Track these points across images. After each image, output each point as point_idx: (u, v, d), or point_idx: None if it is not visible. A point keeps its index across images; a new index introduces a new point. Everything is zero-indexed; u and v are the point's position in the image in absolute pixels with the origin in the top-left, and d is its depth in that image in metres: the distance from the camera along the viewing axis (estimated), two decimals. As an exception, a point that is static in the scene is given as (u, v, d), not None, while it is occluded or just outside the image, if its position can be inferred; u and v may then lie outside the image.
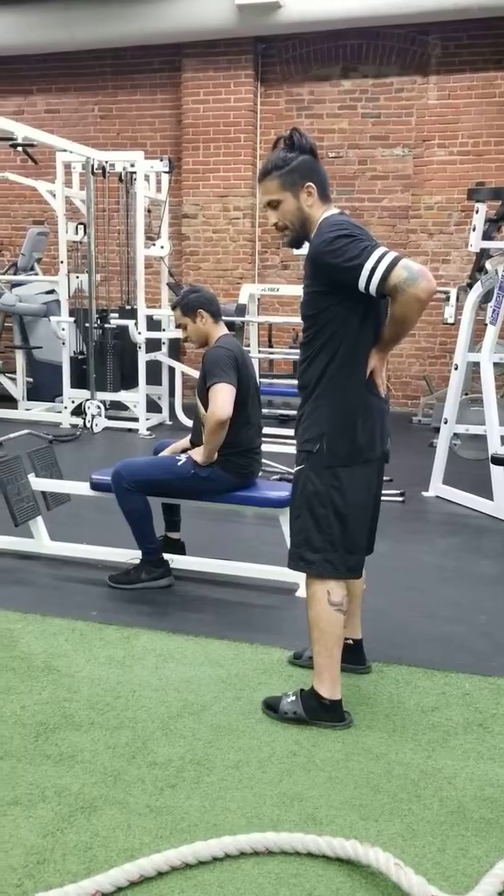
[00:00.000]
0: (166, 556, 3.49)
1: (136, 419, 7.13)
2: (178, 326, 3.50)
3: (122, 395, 7.25)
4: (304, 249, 2.33)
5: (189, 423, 5.90)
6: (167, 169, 7.12)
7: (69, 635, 2.95)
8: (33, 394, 7.96)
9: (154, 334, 7.19)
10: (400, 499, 4.90)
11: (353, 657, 2.65)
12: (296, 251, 2.56)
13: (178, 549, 3.69)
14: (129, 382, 7.27)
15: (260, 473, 3.51)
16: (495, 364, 4.94)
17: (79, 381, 7.19)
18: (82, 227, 7.10)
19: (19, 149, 5.94)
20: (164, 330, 7.39)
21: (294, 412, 2.54)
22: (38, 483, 3.75)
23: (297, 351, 2.49)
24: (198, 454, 3.28)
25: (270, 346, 8.33)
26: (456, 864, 1.81)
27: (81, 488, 3.67)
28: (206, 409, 3.24)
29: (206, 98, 8.32)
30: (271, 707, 2.42)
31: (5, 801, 1.99)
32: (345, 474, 2.28)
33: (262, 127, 8.46)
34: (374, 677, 2.68)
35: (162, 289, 7.75)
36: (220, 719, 2.39)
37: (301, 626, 2.54)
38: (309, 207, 2.29)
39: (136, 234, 7.03)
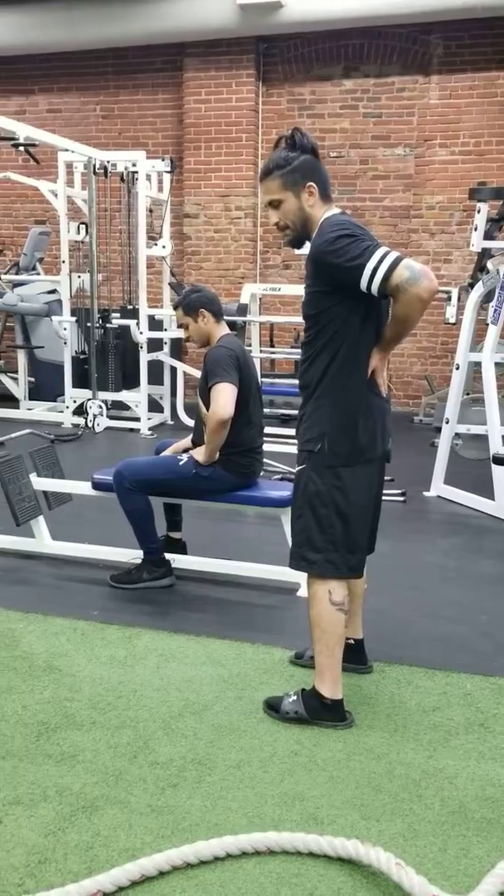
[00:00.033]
0: (168, 555, 3.49)
1: (137, 419, 7.14)
2: (179, 326, 3.50)
3: (124, 395, 7.25)
4: (306, 249, 2.33)
5: (190, 422, 5.90)
6: (169, 168, 7.12)
7: (71, 635, 2.95)
8: (35, 393, 7.96)
9: (156, 334, 7.20)
10: (401, 498, 4.90)
11: (355, 657, 2.65)
12: (297, 251, 2.56)
13: (180, 548, 3.69)
14: (131, 382, 7.28)
15: (261, 473, 3.51)
16: (497, 364, 4.94)
17: (80, 381, 7.19)
18: (84, 226, 7.10)
19: (21, 148, 5.95)
20: (165, 330, 7.40)
21: (295, 412, 2.54)
22: (40, 483, 3.75)
23: (299, 351, 2.49)
24: (199, 454, 3.29)
25: (272, 346, 8.33)
26: (457, 864, 1.81)
27: (83, 488, 3.67)
28: (207, 409, 3.24)
29: (207, 98, 8.33)
30: (273, 707, 2.42)
31: (7, 801, 1.99)
32: (346, 474, 2.28)
33: (263, 126, 8.46)
34: (376, 677, 2.68)
35: (163, 288, 7.76)
36: (221, 719, 2.39)
37: (302, 626, 2.54)
38: (310, 207, 2.29)
39: (138, 234, 7.03)
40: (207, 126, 8.38)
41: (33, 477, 3.73)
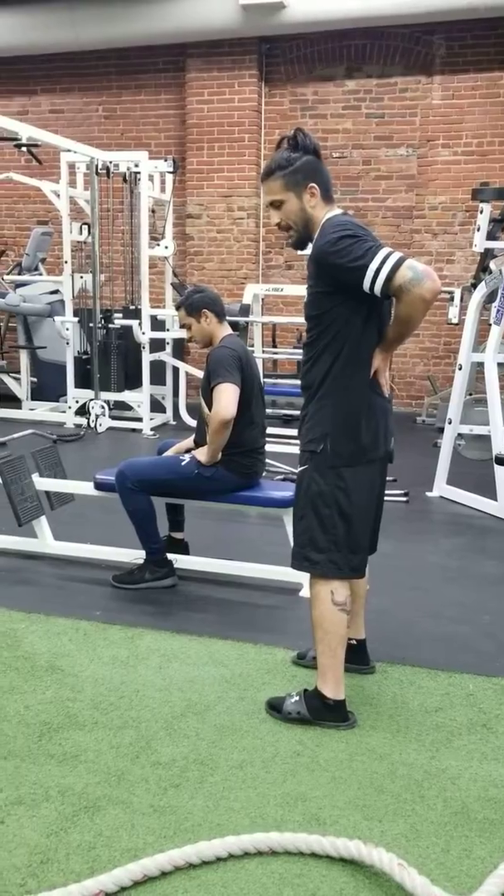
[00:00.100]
0: (170, 555, 3.49)
1: (139, 419, 7.13)
2: (182, 326, 3.50)
3: (126, 395, 7.25)
4: (308, 250, 2.33)
5: (193, 423, 5.90)
6: (171, 169, 7.12)
7: (73, 635, 2.95)
8: (37, 393, 7.97)
9: (158, 334, 7.20)
10: (404, 499, 4.90)
11: (357, 657, 2.65)
12: (299, 252, 2.56)
13: (182, 548, 3.69)
14: (133, 382, 7.28)
15: (264, 473, 3.51)
16: (499, 364, 4.94)
17: (83, 381, 7.20)
18: (86, 227, 7.11)
19: (24, 149, 5.95)
20: (168, 330, 7.40)
21: (298, 412, 2.55)
22: (42, 483, 3.75)
23: (301, 351, 2.49)
24: (202, 454, 3.29)
25: (274, 346, 8.32)
26: (460, 864, 1.81)
27: (85, 488, 3.68)
28: (210, 409, 3.24)
29: (210, 98, 8.33)
30: (275, 707, 2.42)
31: (9, 801, 1.99)
32: (349, 474, 2.28)
33: (266, 127, 8.47)
34: (378, 677, 2.68)
35: (166, 289, 7.76)
36: (223, 719, 2.39)
37: (304, 626, 2.54)
38: (312, 208, 2.29)
39: (140, 234, 7.04)
40: (210, 126, 8.38)
41: (36, 477, 3.73)
